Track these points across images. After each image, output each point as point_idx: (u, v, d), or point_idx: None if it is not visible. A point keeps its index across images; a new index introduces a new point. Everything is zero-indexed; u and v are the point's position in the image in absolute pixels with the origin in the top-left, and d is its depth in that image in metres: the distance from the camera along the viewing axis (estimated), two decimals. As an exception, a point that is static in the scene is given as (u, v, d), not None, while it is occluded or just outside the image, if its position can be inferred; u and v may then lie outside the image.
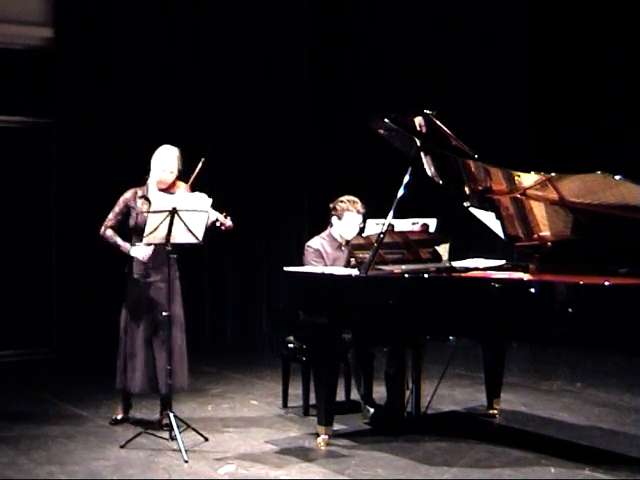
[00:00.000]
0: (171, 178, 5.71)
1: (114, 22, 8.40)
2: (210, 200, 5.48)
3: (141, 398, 6.29)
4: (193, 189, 5.66)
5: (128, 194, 5.75)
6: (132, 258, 5.70)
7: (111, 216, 5.73)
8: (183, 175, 5.74)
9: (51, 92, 8.31)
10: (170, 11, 8.68)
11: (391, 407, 5.96)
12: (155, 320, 5.67)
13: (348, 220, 6.06)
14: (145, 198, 5.66)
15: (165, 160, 5.69)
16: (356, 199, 6.09)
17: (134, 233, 5.68)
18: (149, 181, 5.74)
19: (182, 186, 5.69)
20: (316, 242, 6.14)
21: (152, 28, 8.57)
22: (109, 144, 8.20)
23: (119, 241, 5.69)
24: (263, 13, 9.06)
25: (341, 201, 6.09)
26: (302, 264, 6.05)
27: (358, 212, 6.06)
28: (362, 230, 6.10)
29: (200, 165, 5.60)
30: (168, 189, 5.68)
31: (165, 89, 8.54)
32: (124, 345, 5.73)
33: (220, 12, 8.86)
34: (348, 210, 6.05)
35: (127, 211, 5.71)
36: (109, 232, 5.71)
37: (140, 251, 5.63)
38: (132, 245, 5.66)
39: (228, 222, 5.61)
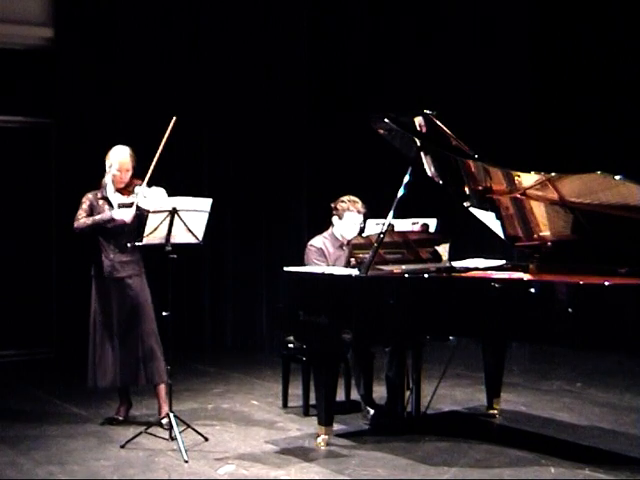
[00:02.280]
0: (127, 177, 5.78)
1: (114, 22, 8.40)
2: (210, 199, 5.49)
3: (142, 398, 6.30)
4: (150, 184, 5.66)
5: (90, 195, 5.82)
6: (98, 259, 5.75)
7: (81, 212, 5.77)
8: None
9: (51, 92, 8.31)
10: (170, 10, 8.68)
11: (391, 407, 5.96)
12: (125, 316, 5.74)
13: (348, 220, 6.07)
14: (105, 199, 5.76)
15: (120, 159, 5.77)
16: (357, 199, 6.10)
17: (101, 234, 5.75)
18: (106, 181, 5.79)
19: (139, 184, 5.70)
20: (319, 241, 6.14)
21: (152, 28, 8.57)
22: (109, 144, 8.17)
23: (96, 217, 5.73)
24: (264, 11, 9.06)
25: (342, 201, 6.10)
26: (303, 263, 6.05)
27: (359, 212, 6.07)
28: (362, 230, 6.10)
29: (171, 125, 5.56)
30: (125, 188, 5.75)
31: (165, 89, 8.53)
32: (94, 344, 5.79)
33: (220, 12, 8.86)
34: (349, 210, 6.06)
35: (91, 212, 5.76)
36: (82, 219, 5.74)
37: (122, 213, 5.65)
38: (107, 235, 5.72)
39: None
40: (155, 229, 5.33)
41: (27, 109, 8.45)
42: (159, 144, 5.70)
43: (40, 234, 8.45)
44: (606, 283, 4.66)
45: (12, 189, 8.40)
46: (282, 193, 9.14)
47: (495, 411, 6.18)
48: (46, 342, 8.37)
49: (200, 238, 5.51)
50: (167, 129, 5.57)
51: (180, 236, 5.42)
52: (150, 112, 8.31)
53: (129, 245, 5.69)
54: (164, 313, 5.55)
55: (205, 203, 5.48)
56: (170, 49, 8.67)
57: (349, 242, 6.09)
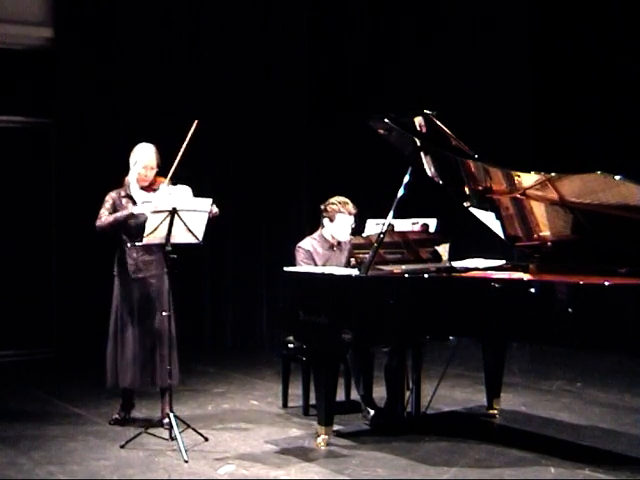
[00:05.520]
0: (152, 174, 5.75)
1: (114, 22, 8.41)
2: (210, 199, 5.49)
3: (141, 398, 6.30)
4: (174, 182, 5.65)
5: (113, 194, 5.78)
6: (122, 258, 5.72)
7: (104, 211, 5.73)
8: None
9: (51, 92, 8.31)
10: (170, 10, 8.68)
11: (391, 407, 5.96)
12: (146, 316, 5.70)
13: (340, 222, 6.05)
14: (129, 197, 5.72)
15: (145, 157, 5.72)
16: (347, 200, 6.07)
17: (124, 232, 5.70)
18: (129, 179, 5.76)
19: (163, 181, 5.69)
20: (307, 243, 6.13)
21: (152, 28, 8.57)
22: (109, 144, 8.20)
23: (117, 214, 5.68)
24: (264, 11, 9.06)
25: (332, 203, 6.07)
26: (294, 264, 6.06)
27: (349, 213, 6.04)
28: (361, 230, 6.10)
29: (193, 128, 5.54)
30: (150, 186, 5.73)
31: (165, 89, 8.54)
32: (114, 343, 5.76)
33: (220, 12, 8.86)
34: (340, 212, 6.03)
35: (114, 211, 5.73)
36: (104, 218, 5.70)
37: (142, 208, 5.57)
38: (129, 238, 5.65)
39: (214, 209, 5.60)
40: (155, 229, 5.32)
41: (27, 109, 8.45)
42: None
43: (40, 234, 8.44)
44: (606, 283, 4.66)
45: (12, 189, 8.40)
46: (282, 193, 9.14)
47: (495, 411, 6.18)
48: (46, 342, 8.37)
49: (200, 238, 5.50)
50: (189, 131, 5.52)
51: (180, 236, 5.41)
52: (150, 112, 8.33)
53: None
54: (164, 313, 5.55)
55: (205, 203, 5.48)
56: (170, 49, 8.66)
57: (340, 243, 6.10)
